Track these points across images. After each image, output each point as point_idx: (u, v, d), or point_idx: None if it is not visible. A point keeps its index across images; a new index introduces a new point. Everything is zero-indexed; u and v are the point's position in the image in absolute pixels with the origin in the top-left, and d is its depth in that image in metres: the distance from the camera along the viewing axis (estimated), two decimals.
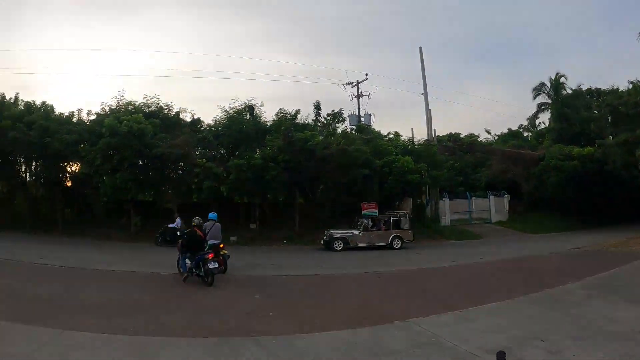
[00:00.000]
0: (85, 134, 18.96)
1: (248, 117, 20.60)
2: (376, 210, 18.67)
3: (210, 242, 9.69)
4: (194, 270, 8.92)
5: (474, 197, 25.38)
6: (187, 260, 9.05)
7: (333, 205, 19.51)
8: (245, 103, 20.61)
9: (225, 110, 20.46)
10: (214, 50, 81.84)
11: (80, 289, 8.16)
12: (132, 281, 9.31)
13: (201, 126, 21.41)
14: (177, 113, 21.00)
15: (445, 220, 23.17)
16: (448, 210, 23.76)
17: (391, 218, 17.62)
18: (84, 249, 15.33)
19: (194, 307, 7.01)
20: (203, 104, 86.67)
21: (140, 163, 18.93)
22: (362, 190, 18.84)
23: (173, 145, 17.79)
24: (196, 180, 18.39)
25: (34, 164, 21.56)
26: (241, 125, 19.99)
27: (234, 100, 20.74)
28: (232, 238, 17.79)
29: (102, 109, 20.35)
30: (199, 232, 9.38)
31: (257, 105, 21.00)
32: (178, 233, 14.45)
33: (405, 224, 17.67)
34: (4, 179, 21.97)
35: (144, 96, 20.75)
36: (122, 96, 20.38)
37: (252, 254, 15.20)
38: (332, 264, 12.58)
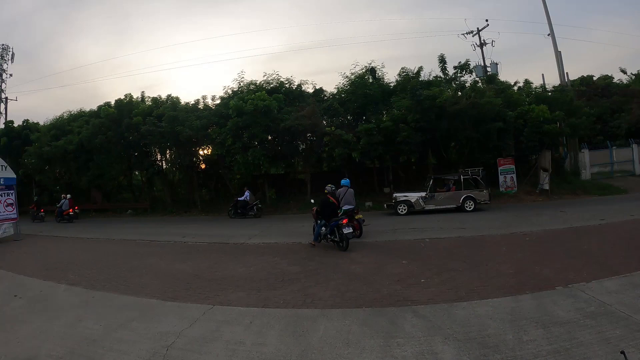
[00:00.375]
0: (213, 117, 21.16)
1: (370, 80, 21.23)
2: (513, 166, 18.98)
3: (345, 207, 10.50)
4: (328, 235, 9.75)
5: (614, 147, 24.25)
6: (322, 228, 9.89)
7: (468, 164, 19.54)
8: (365, 67, 21.33)
9: (347, 76, 21.40)
10: (325, 20, 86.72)
11: (225, 264, 8.77)
12: (275, 253, 9.65)
13: (324, 95, 22.65)
14: (299, 85, 22.60)
15: (585, 174, 22.30)
16: (588, 162, 22.72)
17: (461, 177, 16.55)
18: (223, 225, 16.83)
19: (341, 276, 7.04)
20: (322, 75, 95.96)
21: (270, 138, 20.88)
22: (497, 146, 18.95)
23: (300, 117, 19.22)
24: (327, 149, 19.79)
25: (167, 151, 24.44)
26: (365, 89, 20.59)
27: (354, 65, 21.68)
28: (367, 203, 18.80)
29: (226, 92, 22.69)
30: (331, 198, 10.19)
31: (378, 67, 21.57)
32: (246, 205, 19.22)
33: (480, 182, 16.54)
34: (143, 169, 25.83)
35: (264, 74, 22.66)
36: (243, 77, 22.60)
37: (389, 218, 15.62)
38: (474, 225, 12.32)
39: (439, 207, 16.23)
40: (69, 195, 22.43)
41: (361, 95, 20.75)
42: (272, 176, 22.53)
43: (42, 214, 23.07)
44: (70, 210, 21.76)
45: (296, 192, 21.90)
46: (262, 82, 22.43)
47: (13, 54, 41.18)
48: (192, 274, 7.97)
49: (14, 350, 4.66)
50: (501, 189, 19.21)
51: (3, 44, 41.06)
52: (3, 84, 40.48)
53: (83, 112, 29.48)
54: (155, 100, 25.11)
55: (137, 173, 28.12)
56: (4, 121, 37.00)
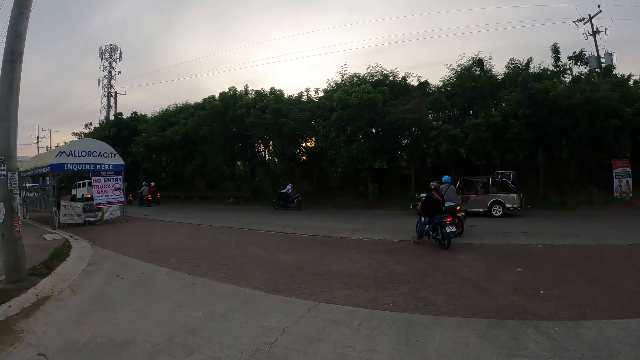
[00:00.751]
0: (316, 110, 27.53)
1: (478, 72, 25.06)
2: (629, 169, 21.44)
3: (447, 204, 12.33)
4: (431, 233, 11.74)
5: None
6: (426, 225, 11.93)
7: (580, 164, 22.51)
8: (472, 58, 25.41)
9: (453, 69, 25.70)
10: (427, 11, 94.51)
11: (329, 258, 10.54)
12: (380, 250, 11.48)
13: (429, 89, 27.47)
14: (404, 78, 28.21)
15: None
16: None
17: (490, 180, 19.49)
18: (324, 217, 20.84)
19: (452, 279, 8.05)
20: (424, 68, 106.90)
21: (374, 131, 26.42)
22: (612, 145, 21.41)
23: (405, 111, 23.49)
24: (433, 144, 23.79)
25: (270, 143, 33.11)
26: (472, 81, 24.30)
27: (460, 57, 26.04)
28: None
29: (329, 85, 29.49)
30: (436, 195, 12.01)
31: (486, 58, 25.27)
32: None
33: (510, 186, 18.90)
34: (245, 159, 34.67)
35: (367, 67, 28.94)
36: (346, 70, 29.14)
37: (495, 219, 18.09)
38: (589, 232, 13.71)
39: (465, 210, 16.77)
40: (152, 183, 33.54)
41: (468, 88, 24.62)
42: (374, 170, 28.48)
43: (158, 197, 33.79)
44: (150, 195, 32.17)
45: (399, 187, 27.40)
46: (366, 74, 28.45)
47: (121, 53, 58.96)
48: (295, 267, 9.56)
49: (112, 331, 5.76)
50: (615, 194, 21.69)
51: (112, 44, 58.83)
52: (113, 80, 57.83)
53: (188, 105, 39.97)
54: (258, 93, 33.60)
55: (239, 163, 37.91)
56: (114, 113, 52.79)
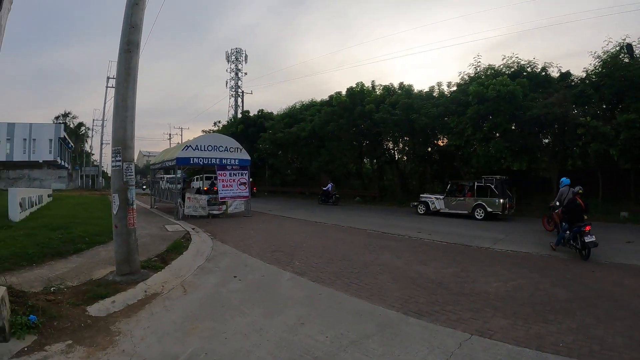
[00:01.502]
0: (450, 105, 25.88)
1: (626, 59, 21.76)
2: None
3: None
4: (571, 242, 11.27)
5: None
6: (566, 232, 11.49)
7: None
8: (619, 43, 21.95)
9: (598, 56, 22.46)
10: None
11: (474, 273, 9.22)
12: (530, 266, 10.02)
13: (572, 80, 24.30)
14: (543, 69, 25.16)
15: None
16: None
17: (475, 184, 21.24)
18: (459, 223, 19.11)
19: (626, 314, 6.58)
20: (563, 59, 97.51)
21: (513, 128, 24.05)
22: None
23: (548, 105, 21.17)
24: (580, 144, 21.56)
25: (400, 140, 32.03)
26: (623, 71, 20.99)
27: (606, 42, 22.46)
28: (622, 214, 19.89)
29: (462, 79, 27.70)
30: (579, 200, 11.31)
31: (635, 43, 21.81)
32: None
33: (493, 191, 20.36)
34: (373, 157, 33.88)
35: (502, 57, 26.83)
36: (479, 62, 27.09)
37: None
38: None
39: (452, 211, 21.84)
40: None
41: (617, 79, 21.34)
42: (511, 172, 25.66)
43: (254, 191, 33.91)
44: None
45: (537, 192, 24.98)
46: (501, 66, 26.07)
47: (246, 56, 66.97)
48: (436, 282, 8.44)
49: (218, 349, 5.15)
50: None
51: (237, 48, 67.11)
52: (239, 81, 65.25)
53: (314, 102, 40.86)
54: (386, 88, 32.99)
55: (366, 161, 37.34)
56: (241, 111, 57.05)
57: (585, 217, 11.51)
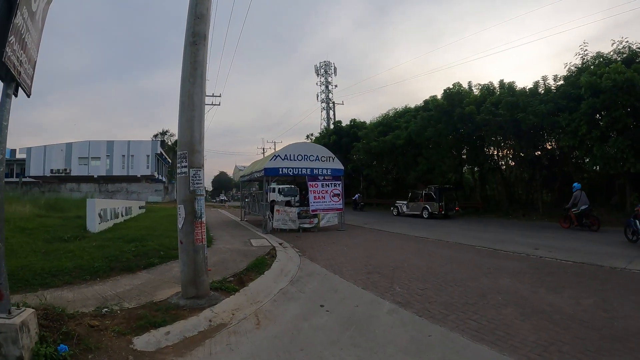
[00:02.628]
0: (559, 101, 23.44)
1: None
2: None
3: (581, 207, 16.17)
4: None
5: None
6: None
7: None
8: None
9: None
10: None
11: (619, 305, 6.96)
12: None
13: None
14: None
15: None
16: None
17: (423, 192, 28.63)
18: (573, 236, 16.48)
19: None
20: None
21: (635, 124, 21.13)
22: None
23: None
24: None
25: (503, 145, 29.57)
26: None
27: None
28: None
29: (568, 70, 25.13)
30: None
31: None
32: None
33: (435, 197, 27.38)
34: (476, 164, 31.48)
35: (612, 42, 23.68)
36: (586, 50, 24.42)
37: None
38: None
39: (412, 212, 29.24)
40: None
41: None
42: (632, 176, 22.48)
43: (362, 204, 35.90)
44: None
45: None
46: (611, 52, 23.64)
47: (335, 68, 69.05)
48: (577, 318, 6.31)
49: None
50: None
51: (326, 61, 69.39)
52: (330, 94, 67.36)
53: (408, 108, 38.96)
54: (485, 88, 30.38)
55: (466, 169, 35.03)
56: (333, 121, 57.45)
57: None
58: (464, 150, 32.27)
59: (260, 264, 10.47)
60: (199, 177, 7.51)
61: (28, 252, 10.33)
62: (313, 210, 19.75)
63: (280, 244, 14.70)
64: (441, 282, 8.87)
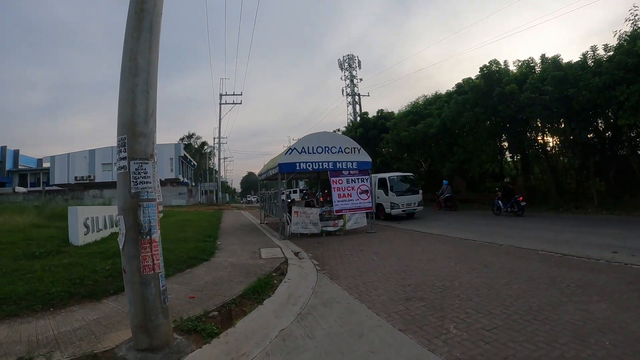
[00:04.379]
0: (616, 72, 20.39)
1: None
2: None
3: None
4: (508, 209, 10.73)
5: None
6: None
7: None
8: None
9: None
10: None
11: None
12: None
13: None
14: None
15: None
16: None
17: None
18: None
19: None
20: None
21: None
22: None
23: None
24: None
25: (550, 127, 26.17)
26: None
27: None
28: None
29: (619, 38, 21.72)
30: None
31: None
32: None
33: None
34: (519, 151, 28.22)
35: None
36: (636, 14, 21.18)
37: None
38: None
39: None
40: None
41: None
42: None
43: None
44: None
45: None
46: None
47: (359, 62, 67.52)
48: None
49: None
50: None
51: (349, 54, 67.84)
52: (355, 88, 65.96)
53: (439, 95, 35.86)
54: (526, 64, 26.96)
55: (508, 157, 31.50)
56: (359, 113, 56.06)
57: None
58: (503, 137, 29.04)
59: (263, 287, 7.79)
60: (146, 173, 5.00)
61: None
62: (337, 211, 16.88)
63: (297, 253, 12.11)
64: (513, 315, 5.99)
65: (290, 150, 16.95)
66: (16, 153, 75.56)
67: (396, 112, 42.57)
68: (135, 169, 4.92)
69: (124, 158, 4.95)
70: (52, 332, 5.57)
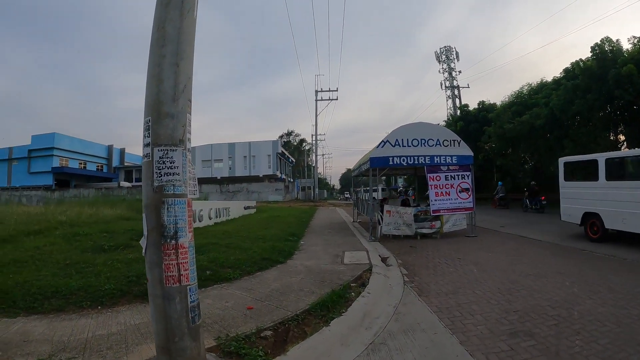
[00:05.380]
0: None
1: None
2: None
3: None
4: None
5: None
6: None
7: None
8: None
9: None
10: None
11: None
12: None
13: None
14: None
15: None
16: None
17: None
18: None
19: None
20: None
21: None
22: None
23: None
24: None
25: None
26: None
27: None
28: None
29: None
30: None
31: None
32: None
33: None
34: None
35: None
36: None
37: None
38: None
39: None
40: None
41: None
42: None
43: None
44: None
45: None
46: None
47: (457, 53, 64.49)
48: None
49: None
50: None
51: (446, 46, 64.99)
52: (455, 81, 63.25)
53: (545, 82, 32.84)
54: None
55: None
56: (459, 105, 54.13)
57: None
58: (620, 127, 25.75)
59: (336, 301, 6.54)
60: (173, 162, 4.02)
61: (48, 264, 8.65)
62: (434, 211, 15.09)
63: (385, 259, 10.70)
64: None
65: (383, 143, 15.32)
66: (122, 151, 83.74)
67: (498, 104, 39.39)
68: (160, 157, 3.96)
69: (147, 145, 4.02)
70: (86, 335, 5.15)
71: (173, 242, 3.89)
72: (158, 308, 3.86)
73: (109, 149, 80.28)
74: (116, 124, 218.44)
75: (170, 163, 3.98)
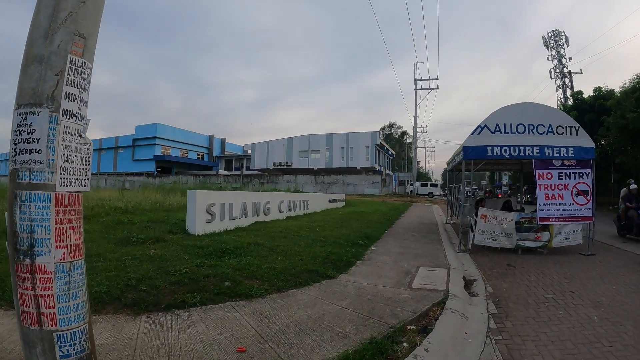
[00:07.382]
0: None
1: None
2: None
3: None
4: None
5: None
6: None
7: None
8: None
9: None
10: None
11: None
12: None
13: None
14: None
15: None
16: None
17: None
18: None
19: None
20: None
21: None
22: None
23: None
24: None
25: None
26: None
27: None
28: None
29: None
30: None
31: None
32: None
33: None
34: None
35: None
36: None
37: None
38: None
39: None
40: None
41: None
42: None
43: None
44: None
45: None
46: None
47: (567, 38, 59.65)
48: None
49: None
50: None
51: (555, 30, 60.07)
52: (564, 68, 58.26)
53: None
54: None
55: None
56: (570, 94, 50.14)
57: None
58: None
59: (365, 356, 4.21)
60: (32, 133, 2.49)
61: None
62: (542, 219, 11.80)
63: (470, 283, 8.23)
64: None
65: (480, 129, 12.31)
66: (222, 141, 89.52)
67: (617, 91, 33.59)
68: (17, 125, 2.46)
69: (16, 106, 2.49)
70: None
71: (27, 260, 2.49)
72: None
73: (210, 138, 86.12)
74: (219, 116, 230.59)
75: (28, 135, 2.46)
